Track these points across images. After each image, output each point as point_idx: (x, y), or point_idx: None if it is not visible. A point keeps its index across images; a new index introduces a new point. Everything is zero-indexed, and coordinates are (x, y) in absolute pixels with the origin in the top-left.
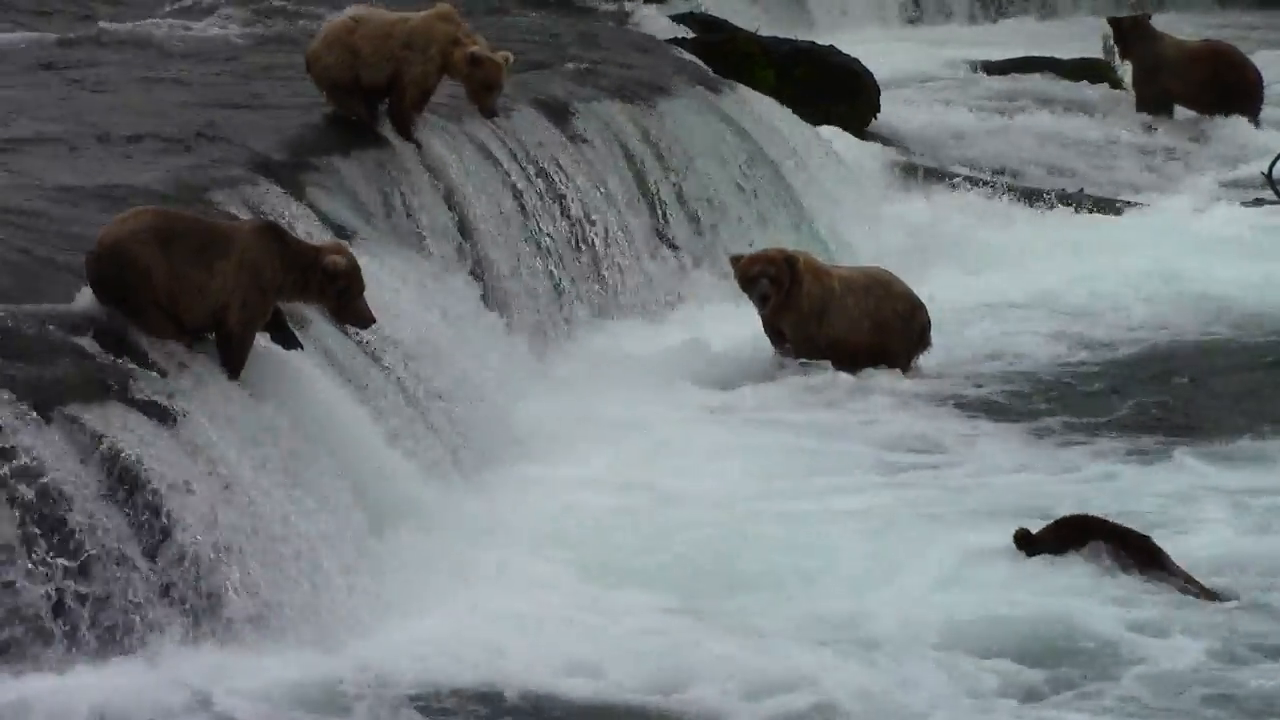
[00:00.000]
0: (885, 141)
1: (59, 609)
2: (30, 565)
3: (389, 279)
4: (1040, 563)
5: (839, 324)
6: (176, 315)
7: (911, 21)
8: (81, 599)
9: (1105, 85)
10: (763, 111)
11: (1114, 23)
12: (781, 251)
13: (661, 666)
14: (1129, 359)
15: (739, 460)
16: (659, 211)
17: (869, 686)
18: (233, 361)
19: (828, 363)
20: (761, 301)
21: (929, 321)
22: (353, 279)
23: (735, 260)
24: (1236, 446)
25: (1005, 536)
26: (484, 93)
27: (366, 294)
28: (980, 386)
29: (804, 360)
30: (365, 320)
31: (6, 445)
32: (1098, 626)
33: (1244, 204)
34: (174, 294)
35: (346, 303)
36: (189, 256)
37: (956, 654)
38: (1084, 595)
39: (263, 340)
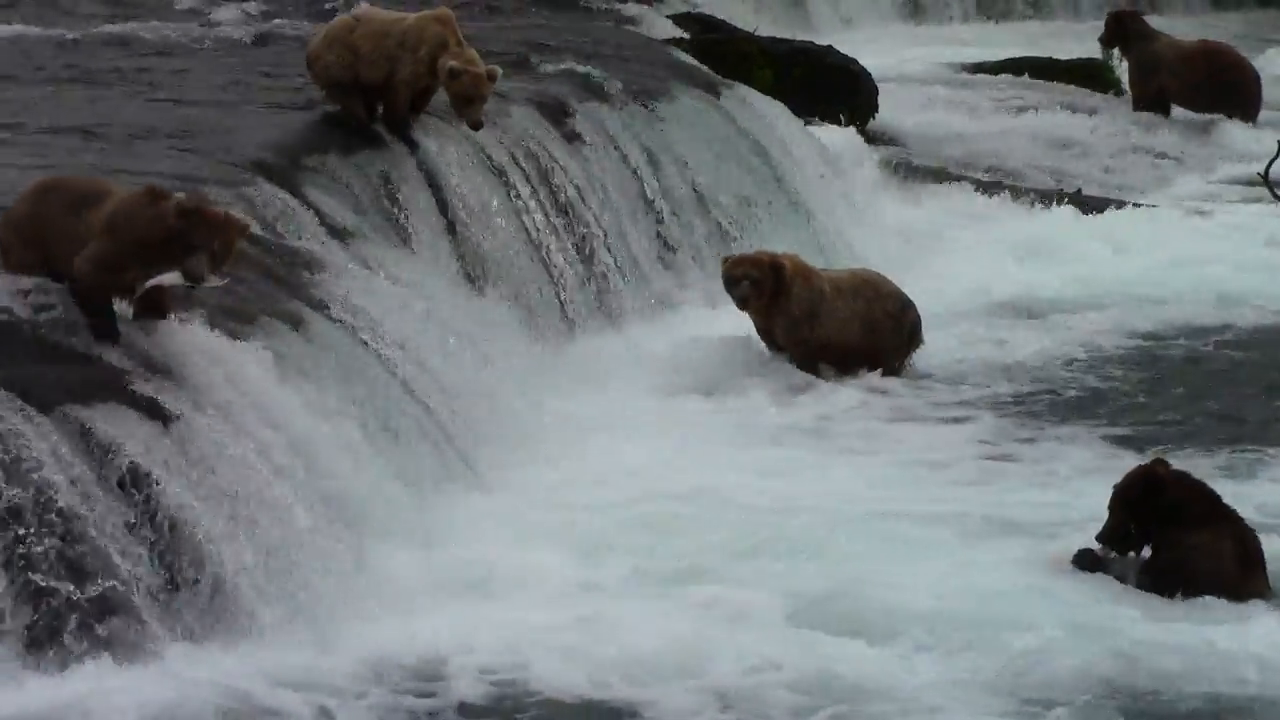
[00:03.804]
0: (883, 141)
1: (57, 610)
2: (29, 566)
3: (386, 279)
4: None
5: (830, 326)
6: (51, 262)
7: (909, 22)
8: (79, 599)
9: (1103, 86)
10: (761, 111)
11: (1112, 16)
12: (768, 255)
13: (664, 665)
14: (1126, 360)
15: (737, 461)
16: (657, 211)
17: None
18: (82, 308)
19: (821, 367)
20: (740, 303)
21: (919, 320)
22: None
23: (725, 260)
24: (1237, 450)
25: (1001, 536)
26: (465, 105)
27: (362, 294)
28: (976, 388)
29: (797, 366)
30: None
31: (6, 445)
32: None
33: (1241, 204)
34: (42, 237)
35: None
36: (63, 206)
37: (945, 650)
38: None
39: (260, 341)
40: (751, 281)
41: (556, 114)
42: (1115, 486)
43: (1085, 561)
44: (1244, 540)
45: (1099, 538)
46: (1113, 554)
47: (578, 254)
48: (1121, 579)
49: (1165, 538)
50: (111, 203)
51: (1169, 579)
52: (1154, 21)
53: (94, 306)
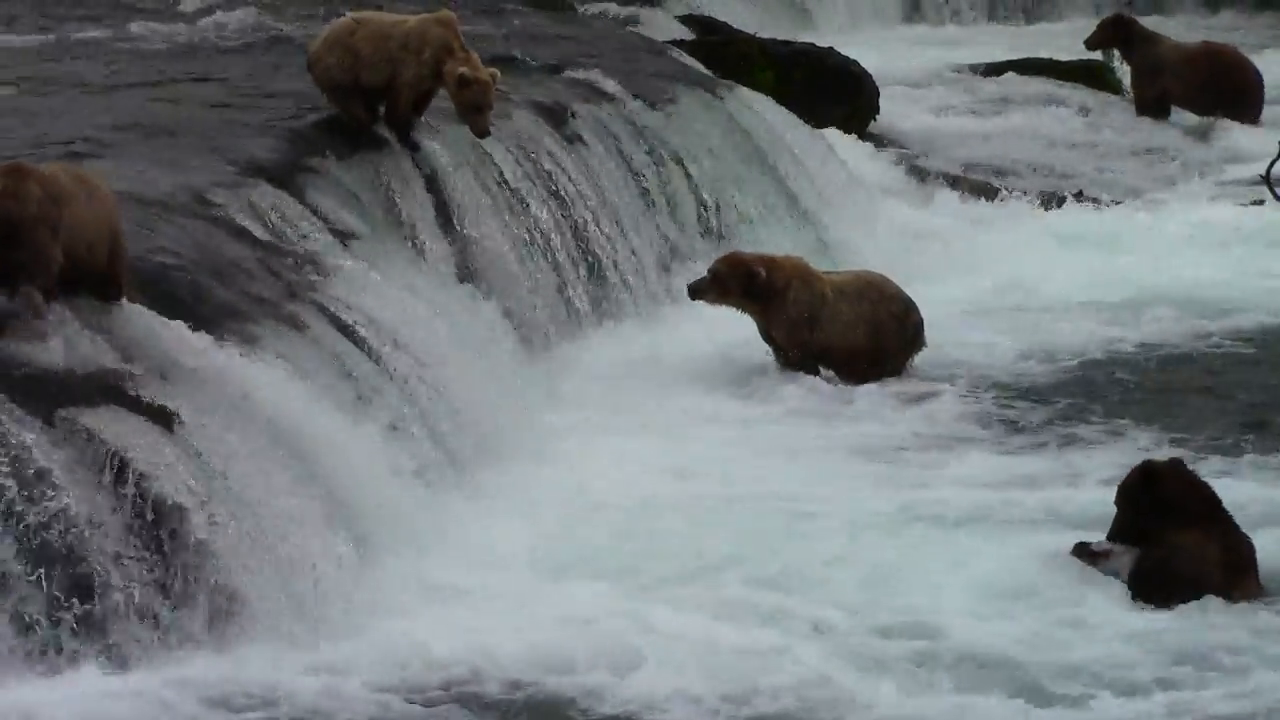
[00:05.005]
0: (884, 143)
1: (57, 612)
2: (29, 567)
3: (386, 281)
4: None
5: (832, 330)
6: None
7: (911, 23)
8: (79, 601)
9: (1104, 87)
10: (763, 112)
11: (1111, 20)
12: (756, 257)
13: (662, 672)
14: (1128, 361)
15: (739, 461)
16: (659, 213)
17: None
18: None
19: (823, 369)
20: (690, 293)
21: (922, 322)
22: None
23: None
24: (1236, 452)
25: (994, 536)
26: (474, 114)
27: (363, 297)
28: (979, 388)
29: (799, 368)
30: None
31: (6, 446)
32: None
33: (1243, 205)
34: None
35: None
36: None
37: (935, 653)
38: None
39: (261, 343)
40: (713, 275)
41: (557, 116)
42: (1120, 482)
43: (1081, 555)
44: (1232, 546)
45: (1109, 534)
46: (1116, 547)
47: (578, 256)
48: (1116, 574)
49: (1156, 535)
50: None
51: (1153, 580)
52: (1155, 22)
53: None
